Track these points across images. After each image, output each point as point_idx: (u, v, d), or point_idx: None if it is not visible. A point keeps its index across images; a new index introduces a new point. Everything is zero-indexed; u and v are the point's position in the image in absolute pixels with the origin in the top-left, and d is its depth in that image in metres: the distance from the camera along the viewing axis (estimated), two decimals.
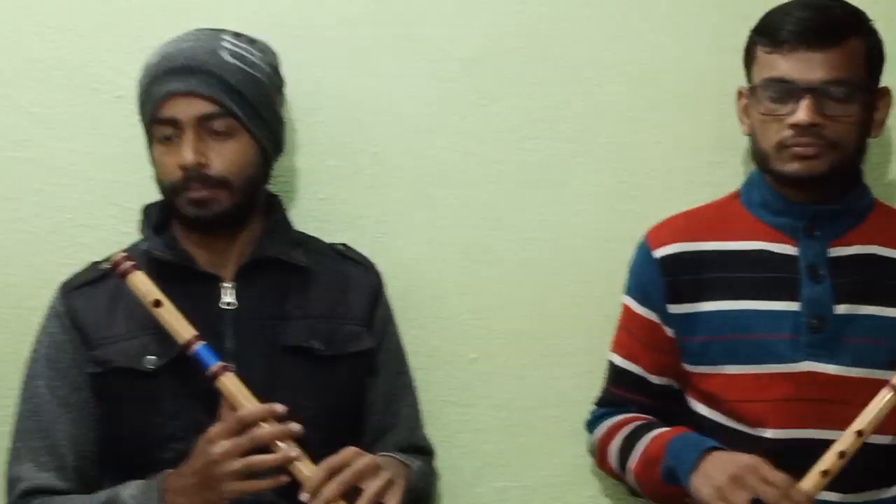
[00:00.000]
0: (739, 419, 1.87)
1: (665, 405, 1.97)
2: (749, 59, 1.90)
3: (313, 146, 2.07)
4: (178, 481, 1.69)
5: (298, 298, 1.85)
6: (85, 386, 1.81)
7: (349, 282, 1.91)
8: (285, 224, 1.93)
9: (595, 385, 2.04)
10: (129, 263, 1.75)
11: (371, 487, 1.67)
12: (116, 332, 1.82)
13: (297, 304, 1.84)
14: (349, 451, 1.69)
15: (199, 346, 1.71)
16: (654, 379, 1.97)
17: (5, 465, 1.84)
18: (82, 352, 1.82)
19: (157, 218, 1.88)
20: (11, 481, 1.81)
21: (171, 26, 1.91)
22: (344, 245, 1.97)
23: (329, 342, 1.84)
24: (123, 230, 2.01)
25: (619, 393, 2.00)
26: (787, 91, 1.82)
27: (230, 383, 1.70)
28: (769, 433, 1.84)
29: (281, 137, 1.91)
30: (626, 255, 2.01)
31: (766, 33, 1.85)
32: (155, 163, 1.84)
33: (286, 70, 1.93)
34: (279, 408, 1.68)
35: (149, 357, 1.78)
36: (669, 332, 1.94)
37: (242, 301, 1.82)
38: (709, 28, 1.98)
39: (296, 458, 1.67)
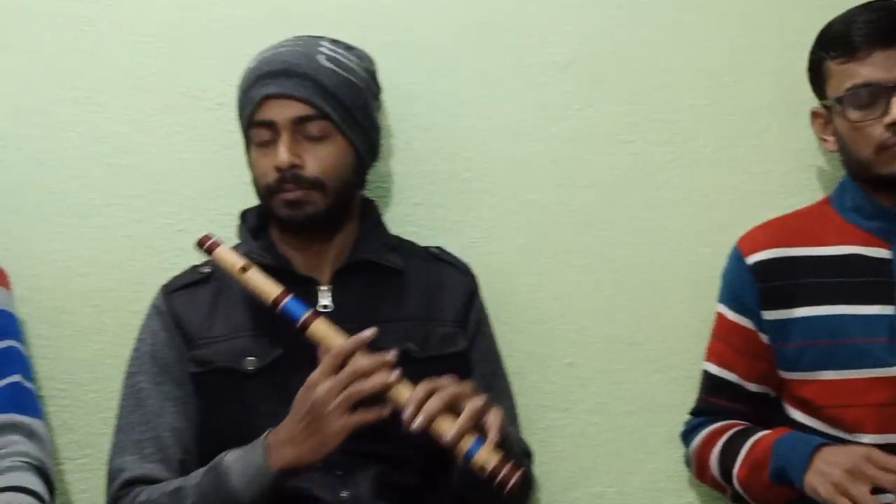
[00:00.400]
0: (837, 425, 1.85)
1: (762, 413, 1.95)
2: (818, 76, 1.89)
3: (408, 151, 2.09)
4: (283, 433, 1.70)
5: (393, 301, 1.86)
6: (187, 382, 1.84)
7: (444, 284, 1.92)
8: (381, 227, 1.94)
9: (691, 390, 2.03)
10: (212, 239, 1.79)
11: (472, 404, 1.66)
12: (217, 333, 1.84)
13: (393, 306, 1.85)
14: (448, 378, 1.69)
15: (288, 299, 1.72)
16: (751, 386, 1.96)
17: (107, 462, 1.86)
18: (184, 350, 1.84)
19: (255, 222, 1.90)
20: (113, 472, 1.83)
21: (271, 34, 1.94)
22: (439, 248, 1.98)
23: (424, 344, 1.85)
24: (222, 235, 1.99)
25: (714, 402, 1.98)
26: (873, 94, 1.81)
27: (322, 327, 1.71)
28: (867, 438, 1.81)
29: (376, 143, 1.92)
30: (721, 259, 2.00)
31: (836, 45, 1.85)
32: (252, 166, 1.86)
33: (381, 76, 1.94)
34: (370, 332, 1.69)
35: (249, 358, 1.80)
36: (765, 338, 1.92)
37: (338, 304, 1.84)
38: (808, 30, 1.95)
39: (396, 382, 1.67)
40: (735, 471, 1.88)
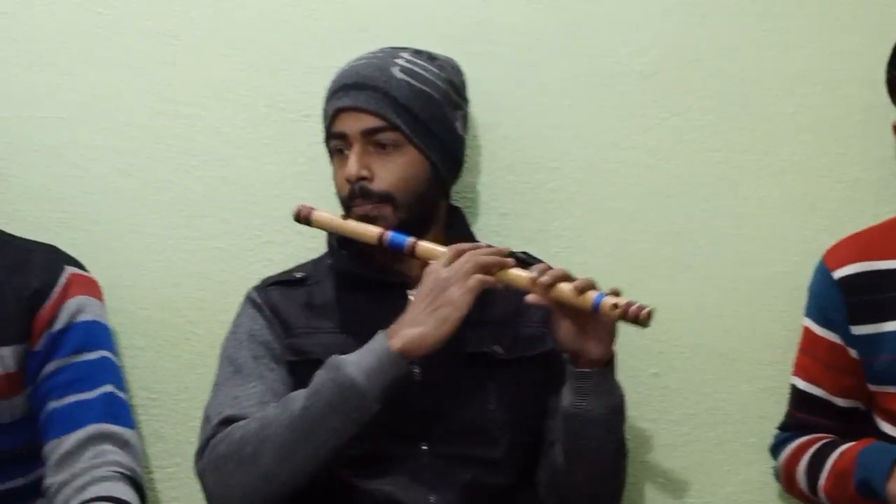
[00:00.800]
0: None
1: (851, 428, 1.92)
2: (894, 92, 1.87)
3: (493, 162, 2.09)
4: (405, 318, 1.72)
5: (480, 305, 1.83)
6: (283, 363, 1.84)
7: None
8: (467, 233, 1.94)
9: (780, 401, 2.01)
10: (307, 206, 1.86)
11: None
12: (315, 325, 1.86)
13: (479, 310, 1.83)
14: None
15: (391, 232, 1.80)
16: (840, 401, 1.93)
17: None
18: (282, 336, 1.85)
19: None
20: (209, 416, 1.81)
21: (357, 47, 1.96)
22: (525, 253, 1.95)
23: (511, 346, 1.85)
24: (309, 246, 2.05)
25: (802, 417, 1.96)
26: None
27: (427, 245, 1.79)
28: None
29: (457, 154, 1.92)
30: (811, 268, 1.97)
31: None
32: (333, 177, 1.89)
33: (467, 86, 1.95)
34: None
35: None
36: (853, 353, 1.90)
37: None
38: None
39: (511, 265, 1.75)
40: (821, 483, 1.86)
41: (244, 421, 1.75)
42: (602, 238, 2.08)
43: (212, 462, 1.75)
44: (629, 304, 1.67)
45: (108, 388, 1.92)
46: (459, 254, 1.74)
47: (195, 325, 2.11)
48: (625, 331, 2.02)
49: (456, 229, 1.93)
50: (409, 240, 1.79)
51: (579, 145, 2.08)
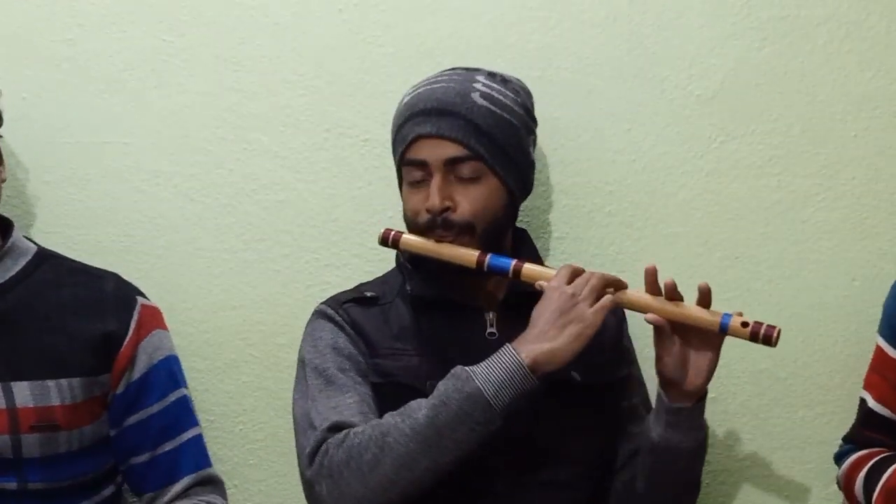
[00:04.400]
0: None
1: None
2: None
3: (551, 185, 2.09)
4: (532, 334, 1.69)
5: None
6: (368, 380, 1.80)
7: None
8: (535, 255, 1.93)
9: (840, 427, 2.00)
10: (394, 230, 1.84)
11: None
12: (399, 347, 1.82)
13: None
14: None
15: (489, 256, 1.78)
16: None
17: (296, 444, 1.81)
18: (367, 354, 1.82)
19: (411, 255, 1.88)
20: (311, 425, 1.74)
21: (416, 69, 1.98)
22: None
23: (586, 371, 1.82)
24: (367, 269, 2.07)
25: (870, 435, 1.93)
26: None
27: (533, 267, 1.77)
28: None
29: (530, 179, 1.90)
30: (871, 293, 1.97)
31: None
32: (404, 202, 1.86)
33: None
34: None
35: (431, 382, 1.73)
36: None
37: (503, 331, 1.81)
38: None
39: (625, 286, 1.75)
40: (875, 497, 1.83)
41: (359, 428, 1.70)
42: (659, 262, 2.03)
43: (326, 468, 1.69)
44: (759, 324, 1.68)
45: (192, 432, 1.98)
46: (576, 273, 1.73)
47: (254, 347, 2.12)
48: None
49: (525, 251, 1.91)
50: (513, 262, 1.77)
51: (637, 169, 2.08)
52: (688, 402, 1.75)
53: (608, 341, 1.87)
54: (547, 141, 2.06)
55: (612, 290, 1.73)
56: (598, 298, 1.70)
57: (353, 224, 2.10)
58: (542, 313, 1.69)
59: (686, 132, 2.07)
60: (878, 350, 1.93)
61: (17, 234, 1.93)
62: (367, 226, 2.09)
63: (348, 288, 1.96)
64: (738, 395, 2.08)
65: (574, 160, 2.09)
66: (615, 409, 1.88)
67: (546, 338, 1.67)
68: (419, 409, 1.67)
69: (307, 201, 2.11)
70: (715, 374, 2.03)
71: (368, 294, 1.89)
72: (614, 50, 2.07)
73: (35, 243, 1.96)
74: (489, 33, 2.08)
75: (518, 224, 2.05)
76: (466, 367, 1.67)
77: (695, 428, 1.77)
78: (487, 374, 1.65)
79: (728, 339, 2.03)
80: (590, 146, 2.08)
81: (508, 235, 1.91)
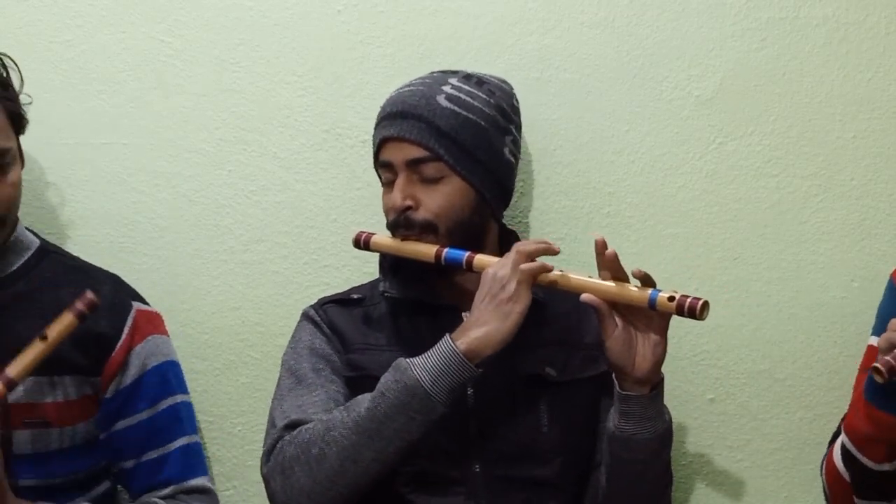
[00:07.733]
0: None
1: None
2: None
3: (548, 186, 2.09)
4: (469, 321, 1.72)
5: (533, 326, 1.84)
6: (342, 377, 1.85)
7: (582, 309, 1.87)
8: None
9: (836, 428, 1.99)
10: (366, 232, 1.89)
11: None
12: (373, 343, 1.87)
13: (533, 332, 1.84)
14: None
15: (447, 249, 1.81)
16: None
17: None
18: (342, 352, 1.87)
19: (393, 257, 1.91)
20: (273, 420, 1.81)
21: (415, 69, 1.99)
22: None
23: (563, 369, 1.85)
24: (365, 270, 2.07)
25: None
26: None
27: (484, 257, 1.79)
28: None
29: (505, 179, 1.90)
30: (870, 294, 1.97)
31: None
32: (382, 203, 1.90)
33: (524, 112, 1.95)
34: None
35: None
36: None
37: None
38: None
39: (557, 251, 1.78)
40: (844, 440, 1.80)
41: (310, 423, 1.75)
42: (658, 263, 2.06)
43: (278, 465, 1.74)
44: (685, 297, 1.68)
45: (182, 440, 1.96)
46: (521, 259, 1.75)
47: (253, 348, 2.13)
48: (681, 354, 2.06)
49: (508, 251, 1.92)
50: (466, 254, 1.80)
51: (636, 170, 2.08)
52: (641, 391, 1.75)
53: (590, 337, 1.88)
54: (546, 142, 2.07)
55: (560, 270, 1.75)
56: (528, 273, 1.72)
57: (352, 225, 2.09)
58: (476, 302, 1.73)
59: (685, 133, 2.08)
60: (870, 350, 1.92)
61: (20, 228, 1.93)
62: (365, 227, 2.06)
63: (347, 288, 1.98)
64: (736, 396, 2.08)
65: (573, 161, 2.09)
66: (594, 405, 1.88)
67: (479, 323, 1.71)
68: (362, 402, 1.72)
69: (306, 202, 2.12)
70: (714, 374, 2.06)
71: (355, 296, 1.93)
72: (613, 51, 2.07)
73: (38, 236, 1.97)
74: (488, 34, 2.08)
75: (517, 225, 2.06)
76: (406, 359, 1.71)
77: (649, 418, 1.75)
78: (424, 364, 1.69)
79: (725, 341, 2.07)
80: (589, 147, 2.09)
81: (492, 236, 1.92)
